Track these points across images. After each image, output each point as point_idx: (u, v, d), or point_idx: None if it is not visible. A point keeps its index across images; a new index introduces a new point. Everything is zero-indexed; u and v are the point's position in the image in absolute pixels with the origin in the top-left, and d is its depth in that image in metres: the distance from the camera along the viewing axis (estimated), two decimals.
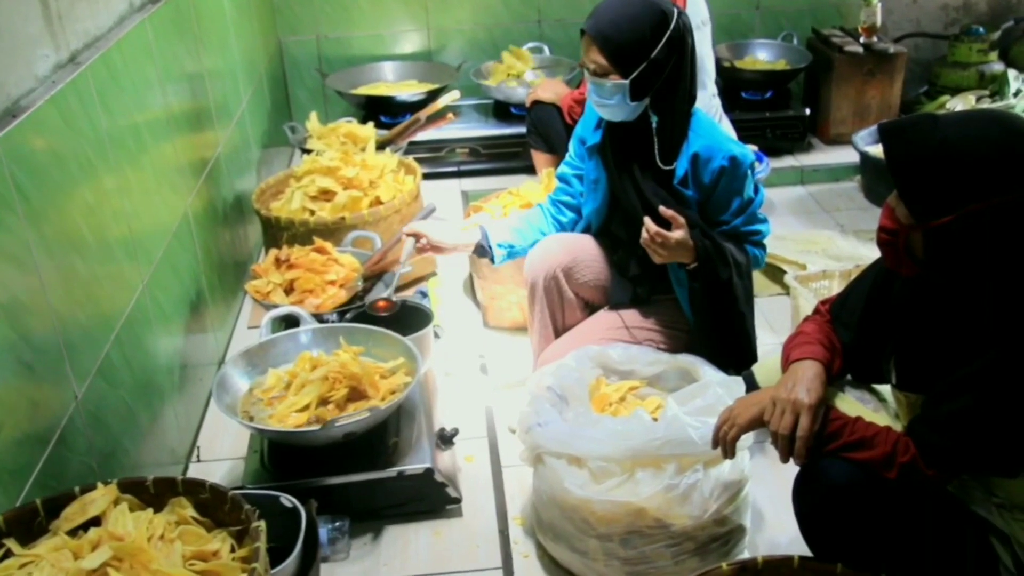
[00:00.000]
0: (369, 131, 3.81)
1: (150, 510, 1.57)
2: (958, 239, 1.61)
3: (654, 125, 2.46)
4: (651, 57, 2.35)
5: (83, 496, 1.56)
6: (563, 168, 2.80)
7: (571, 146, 2.77)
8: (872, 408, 2.02)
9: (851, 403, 1.98)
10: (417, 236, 2.67)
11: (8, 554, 1.48)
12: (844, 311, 2.01)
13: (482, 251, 2.69)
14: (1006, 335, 1.62)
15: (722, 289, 2.49)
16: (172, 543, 1.46)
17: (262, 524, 1.50)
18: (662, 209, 2.41)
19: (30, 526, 1.54)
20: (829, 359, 1.93)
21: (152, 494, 1.61)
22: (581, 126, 2.72)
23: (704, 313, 2.54)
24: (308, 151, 3.71)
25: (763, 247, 2.62)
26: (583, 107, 3.19)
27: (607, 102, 2.44)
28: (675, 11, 2.37)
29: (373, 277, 2.89)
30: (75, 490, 1.58)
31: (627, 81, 2.37)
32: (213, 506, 1.60)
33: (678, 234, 2.38)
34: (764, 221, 2.61)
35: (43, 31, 2.03)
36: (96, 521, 1.55)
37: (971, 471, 1.79)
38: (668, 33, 2.35)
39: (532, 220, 2.78)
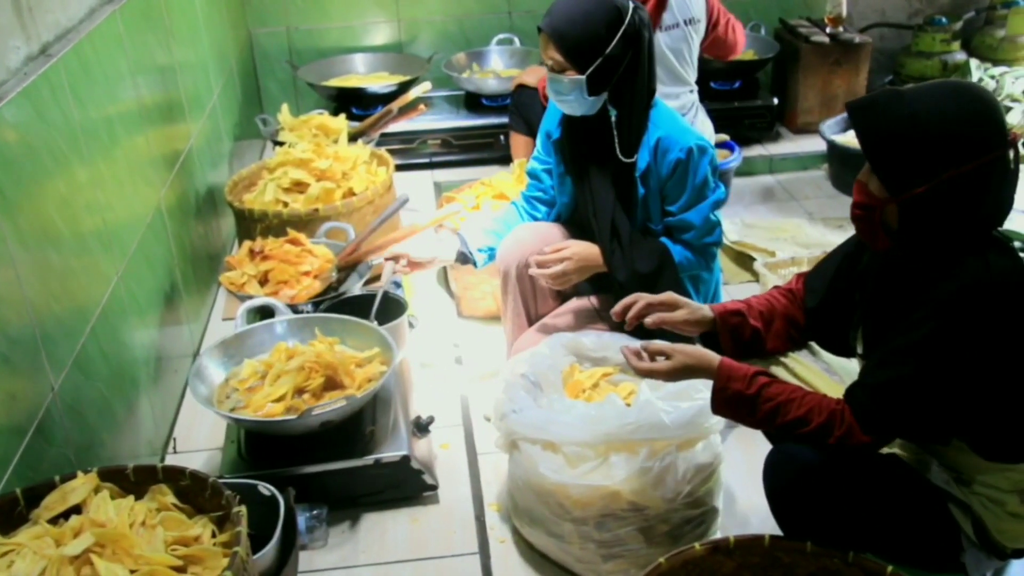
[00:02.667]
0: (341, 123, 3.82)
1: (131, 497, 1.59)
2: (932, 207, 1.67)
3: (613, 118, 2.49)
4: (606, 52, 2.38)
5: (63, 485, 1.57)
6: (532, 164, 2.83)
7: (538, 141, 2.80)
8: (837, 381, 2.07)
9: (817, 373, 2.04)
10: (397, 259, 2.71)
11: None
12: (814, 278, 2.08)
13: (464, 258, 2.75)
14: (946, 307, 1.67)
15: (646, 281, 2.51)
16: (154, 529, 1.48)
17: (243, 509, 1.52)
18: (534, 258, 2.57)
19: (10, 515, 1.55)
20: (727, 308, 2.07)
21: (132, 482, 1.62)
22: (546, 121, 2.75)
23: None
24: (280, 143, 3.71)
25: (695, 249, 2.57)
26: None
27: (565, 97, 2.48)
28: (630, 6, 2.41)
29: (347, 268, 2.90)
30: (55, 479, 1.59)
31: (583, 77, 2.41)
32: (193, 493, 1.62)
33: (560, 267, 2.53)
34: (707, 221, 2.55)
35: (13, 22, 2.02)
36: (76, 510, 1.57)
37: (905, 437, 1.86)
38: (623, 28, 2.38)
39: (507, 219, 2.82)
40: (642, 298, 2.06)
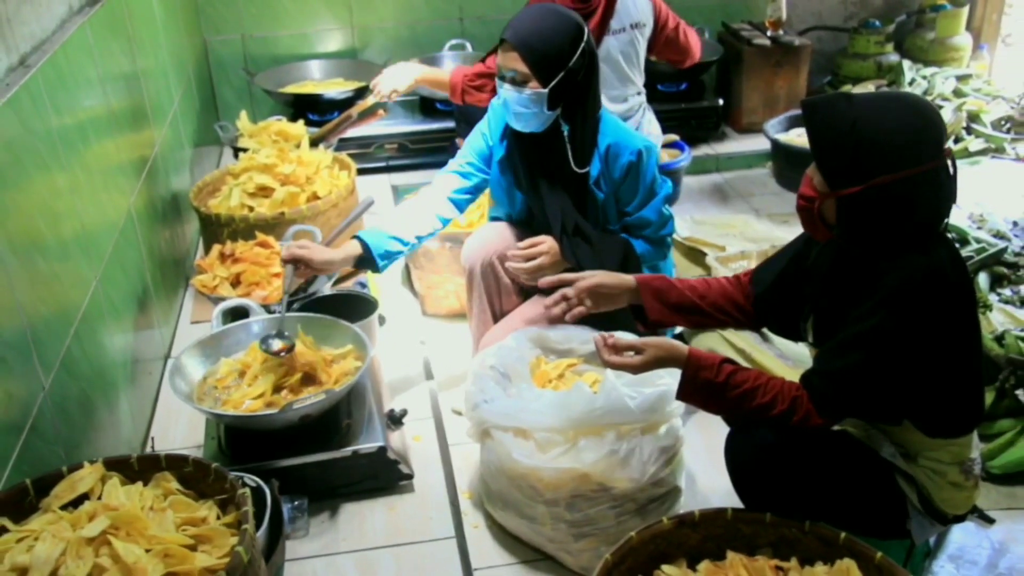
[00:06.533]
0: (300, 129, 3.89)
1: (139, 483, 1.67)
2: (866, 207, 1.81)
3: (566, 133, 2.59)
4: (568, 66, 2.48)
5: (72, 474, 1.65)
6: (462, 166, 2.81)
7: (472, 147, 2.81)
8: (791, 365, 2.21)
9: (771, 359, 2.18)
10: (296, 261, 2.58)
11: (2, 531, 1.56)
12: (762, 270, 2.23)
13: (362, 263, 2.65)
14: (892, 300, 1.82)
15: None
16: (164, 512, 1.56)
17: (247, 491, 1.61)
18: (511, 252, 2.64)
19: (20, 505, 1.62)
20: (647, 277, 2.24)
21: (136, 470, 1.70)
22: (491, 130, 2.79)
23: None
24: (240, 150, 3.77)
25: (655, 242, 2.70)
26: (480, 89, 3.36)
27: (524, 110, 2.54)
28: (584, 24, 2.53)
29: None
30: (63, 469, 1.67)
31: (546, 90, 2.49)
32: (196, 479, 1.70)
33: (537, 261, 2.62)
34: (661, 215, 2.69)
35: None
36: (84, 498, 1.64)
37: (860, 419, 2.01)
38: (582, 45, 2.49)
39: (413, 226, 2.73)
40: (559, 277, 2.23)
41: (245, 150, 3.69)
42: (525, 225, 2.85)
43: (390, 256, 2.67)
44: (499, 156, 2.76)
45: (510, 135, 2.70)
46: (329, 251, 2.63)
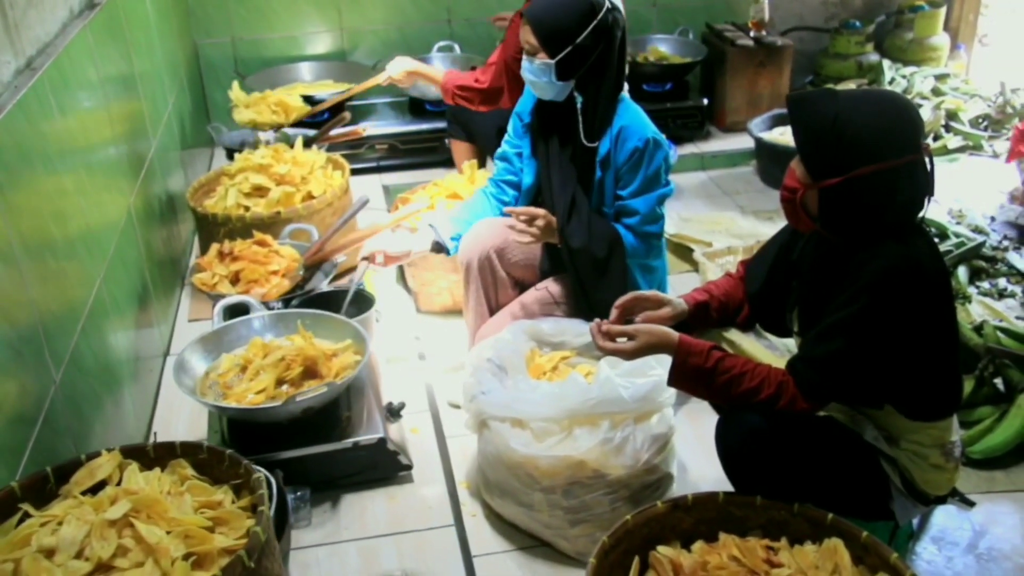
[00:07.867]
0: (298, 101, 3.93)
1: (157, 470, 1.73)
2: (846, 198, 1.89)
3: (579, 105, 2.70)
4: (576, 42, 2.59)
5: (90, 462, 1.71)
6: (504, 147, 3.00)
7: (510, 124, 2.98)
8: (779, 355, 2.29)
9: (760, 350, 2.25)
10: (372, 257, 2.85)
11: (25, 517, 1.62)
12: (754, 267, 2.30)
13: (438, 248, 2.90)
14: (872, 287, 1.90)
15: (599, 264, 2.72)
16: (182, 496, 1.63)
17: (261, 475, 1.67)
18: (510, 209, 2.73)
19: (42, 492, 1.68)
20: (695, 300, 2.28)
21: (152, 458, 1.76)
22: (521, 105, 2.94)
23: (583, 280, 2.76)
24: (234, 152, 3.82)
25: (638, 235, 2.74)
26: (468, 100, 3.54)
27: (537, 80, 2.69)
28: (605, 5, 2.62)
29: (313, 266, 3.05)
30: (81, 457, 1.73)
31: (553, 62, 2.62)
32: (210, 465, 1.76)
33: (540, 222, 2.69)
34: (652, 210, 2.74)
35: (3, 39, 2.13)
36: (102, 486, 1.70)
37: (842, 403, 2.09)
38: (595, 23, 2.60)
39: (474, 207, 2.97)
40: (634, 294, 2.24)
41: (240, 151, 3.74)
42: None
43: (458, 240, 2.90)
44: (526, 121, 2.90)
45: (537, 104, 2.85)
46: (402, 239, 2.90)
